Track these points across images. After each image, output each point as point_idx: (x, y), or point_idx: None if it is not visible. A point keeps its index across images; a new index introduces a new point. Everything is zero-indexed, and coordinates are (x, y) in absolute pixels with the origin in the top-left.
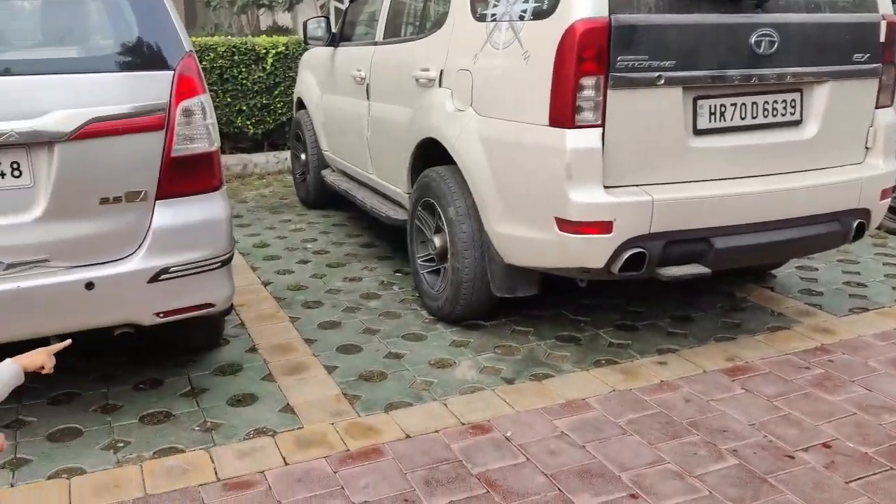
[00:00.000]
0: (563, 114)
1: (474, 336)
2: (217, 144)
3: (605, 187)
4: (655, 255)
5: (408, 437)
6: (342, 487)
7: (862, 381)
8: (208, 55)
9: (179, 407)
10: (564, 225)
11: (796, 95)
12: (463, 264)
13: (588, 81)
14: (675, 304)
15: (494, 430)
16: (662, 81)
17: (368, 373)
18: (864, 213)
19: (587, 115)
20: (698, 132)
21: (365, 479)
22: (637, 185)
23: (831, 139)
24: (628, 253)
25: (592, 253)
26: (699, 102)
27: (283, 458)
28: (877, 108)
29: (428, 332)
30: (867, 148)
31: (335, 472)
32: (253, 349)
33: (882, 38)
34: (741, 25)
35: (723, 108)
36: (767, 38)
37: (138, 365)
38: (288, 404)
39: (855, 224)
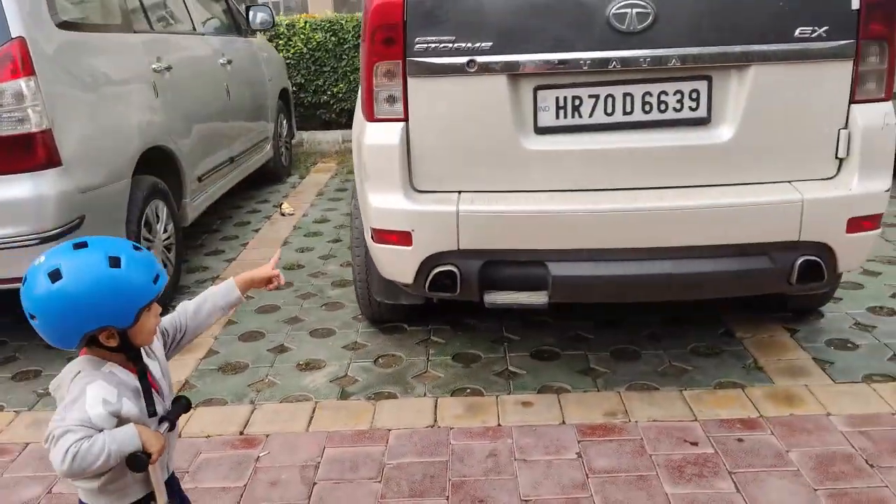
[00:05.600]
0: (366, 104)
1: None
2: None
3: (418, 191)
4: (471, 276)
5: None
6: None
7: (739, 477)
8: None
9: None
10: (372, 232)
11: (699, 85)
12: None
13: (383, 67)
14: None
15: None
16: (475, 68)
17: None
18: (817, 249)
19: (384, 108)
20: (539, 130)
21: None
22: (457, 192)
23: (760, 144)
24: (436, 270)
25: (399, 266)
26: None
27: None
28: (853, 102)
29: None
30: (839, 159)
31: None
32: None
33: (856, 4)
34: None
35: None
36: (635, 10)
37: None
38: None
39: (798, 262)
